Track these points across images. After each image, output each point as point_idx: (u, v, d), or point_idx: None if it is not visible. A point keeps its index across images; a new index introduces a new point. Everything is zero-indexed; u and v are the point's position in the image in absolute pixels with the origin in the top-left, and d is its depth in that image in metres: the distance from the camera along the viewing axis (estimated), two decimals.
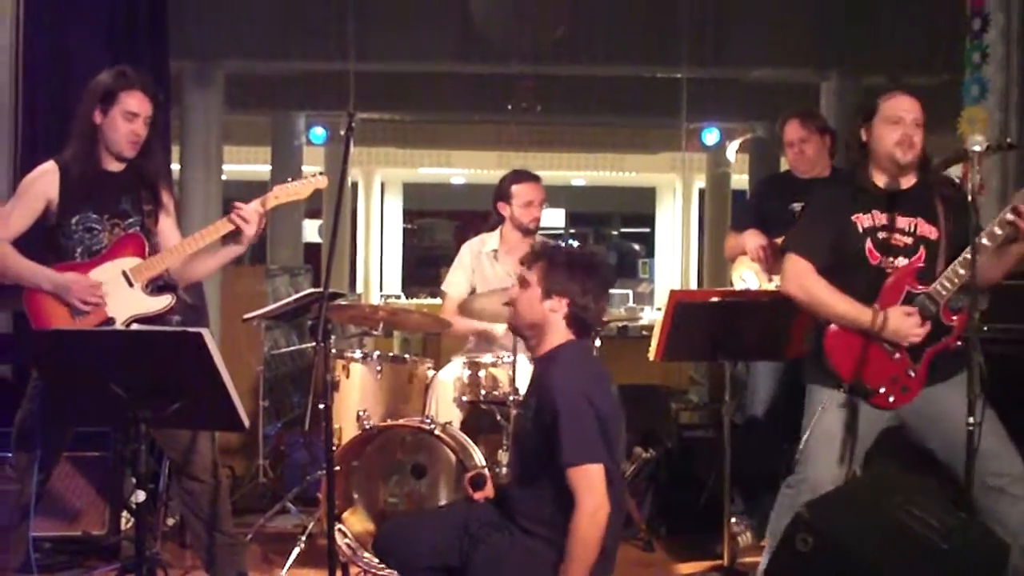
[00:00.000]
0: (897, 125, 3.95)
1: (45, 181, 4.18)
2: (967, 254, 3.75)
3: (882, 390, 3.94)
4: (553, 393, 3.43)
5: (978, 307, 3.64)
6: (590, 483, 3.36)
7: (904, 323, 3.87)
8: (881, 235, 3.99)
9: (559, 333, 3.58)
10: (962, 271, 3.81)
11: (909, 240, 3.98)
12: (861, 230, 4.00)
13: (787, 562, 3.37)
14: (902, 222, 3.98)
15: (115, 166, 4.25)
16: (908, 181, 4.03)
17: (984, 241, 3.77)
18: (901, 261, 3.96)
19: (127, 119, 4.17)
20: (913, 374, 3.93)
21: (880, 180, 4.04)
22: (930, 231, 3.97)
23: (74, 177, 4.16)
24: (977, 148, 3.66)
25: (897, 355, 3.93)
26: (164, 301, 4.24)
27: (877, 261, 3.98)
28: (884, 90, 4.05)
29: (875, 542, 3.24)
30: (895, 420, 4.03)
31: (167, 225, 4.33)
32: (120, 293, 4.17)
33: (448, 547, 3.60)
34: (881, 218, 4.00)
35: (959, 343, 3.88)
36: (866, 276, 3.98)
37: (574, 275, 3.56)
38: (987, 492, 3.85)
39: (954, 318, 3.91)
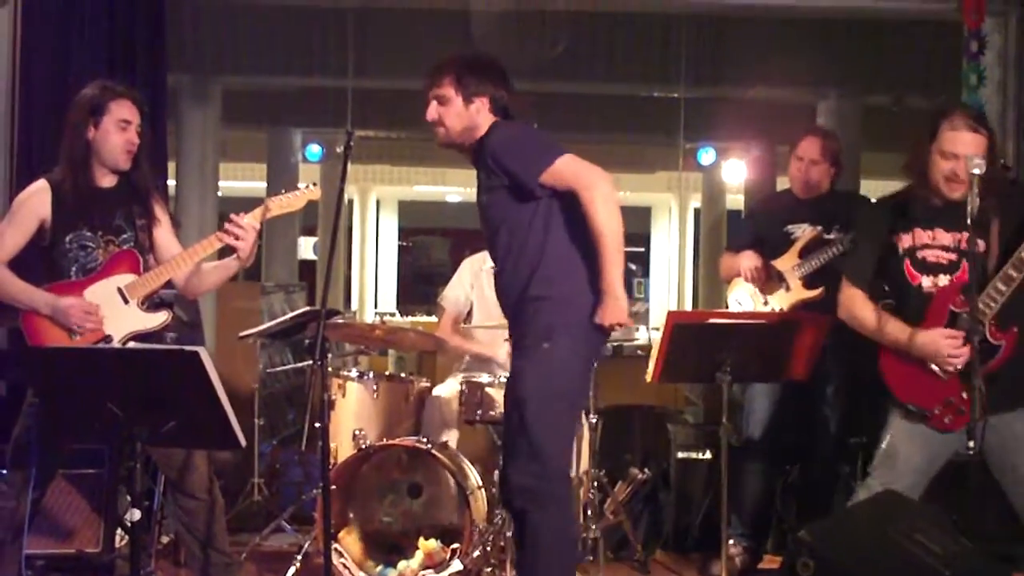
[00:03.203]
0: (949, 161, 3.82)
1: (37, 200, 4.15)
2: (1008, 268, 3.70)
3: (936, 411, 3.87)
4: (486, 152, 3.82)
5: (977, 333, 3.59)
6: (573, 168, 3.77)
7: (937, 343, 3.78)
8: (920, 254, 3.92)
9: (486, 123, 3.89)
10: (1003, 287, 3.71)
11: (953, 256, 3.88)
12: (901, 251, 3.94)
13: None
14: (945, 238, 3.87)
15: (108, 181, 4.22)
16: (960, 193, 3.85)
17: (1011, 272, 3.72)
18: (943, 279, 3.88)
19: (121, 128, 4.15)
20: (966, 395, 3.75)
21: (931, 197, 3.91)
22: (977, 244, 3.76)
23: (67, 195, 4.14)
24: (976, 171, 3.63)
25: (946, 376, 3.84)
26: (160, 318, 4.21)
27: (917, 282, 3.92)
28: (947, 113, 3.87)
29: (877, 567, 3.22)
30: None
31: (166, 237, 4.30)
32: (116, 311, 4.14)
33: None
34: (922, 236, 3.92)
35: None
36: (910, 298, 3.93)
37: (482, 74, 3.89)
38: None
39: (1002, 337, 3.79)
